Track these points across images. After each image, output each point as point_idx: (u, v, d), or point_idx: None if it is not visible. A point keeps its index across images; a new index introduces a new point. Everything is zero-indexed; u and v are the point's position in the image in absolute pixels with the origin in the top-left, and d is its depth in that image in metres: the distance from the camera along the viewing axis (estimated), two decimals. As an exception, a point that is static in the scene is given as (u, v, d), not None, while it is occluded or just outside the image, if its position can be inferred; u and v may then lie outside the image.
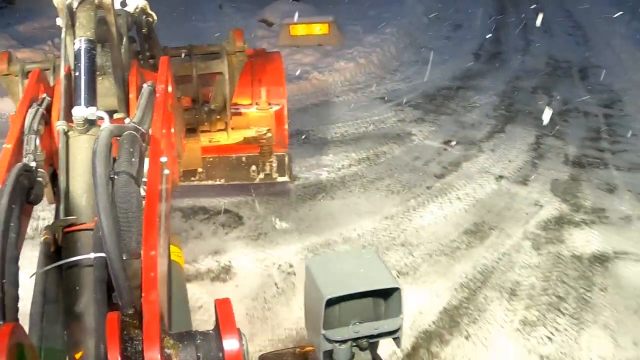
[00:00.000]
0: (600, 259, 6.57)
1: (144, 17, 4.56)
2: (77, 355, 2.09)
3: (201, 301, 5.70)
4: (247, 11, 17.19)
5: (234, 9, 17.58)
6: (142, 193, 2.49)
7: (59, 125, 2.86)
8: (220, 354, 1.95)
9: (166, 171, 2.81)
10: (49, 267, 2.49)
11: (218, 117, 5.63)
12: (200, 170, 6.24)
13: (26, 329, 2.14)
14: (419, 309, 5.71)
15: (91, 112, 2.83)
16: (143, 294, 2.00)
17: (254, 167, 6.02)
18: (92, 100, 2.93)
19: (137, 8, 4.38)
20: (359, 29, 15.51)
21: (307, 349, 2.73)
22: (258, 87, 6.03)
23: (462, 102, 11.69)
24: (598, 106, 11.60)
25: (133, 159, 2.48)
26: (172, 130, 3.40)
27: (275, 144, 6.11)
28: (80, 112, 2.82)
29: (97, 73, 3.34)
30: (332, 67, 13.22)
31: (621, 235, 7.03)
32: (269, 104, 5.99)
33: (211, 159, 6.27)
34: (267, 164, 6.05)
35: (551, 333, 5.44)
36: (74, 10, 3.18)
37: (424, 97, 11.85)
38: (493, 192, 8.08)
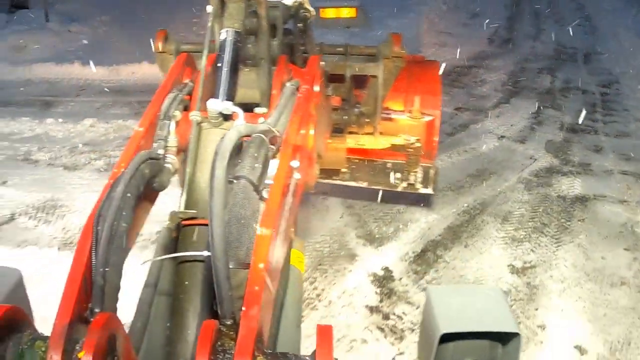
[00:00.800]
0: (581, 200, 7.80)
1: (302, 11, 4.42)
2: (80, 355, 1.89)
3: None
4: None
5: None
6: (265, 196, 2.43)
7: (193, 115, 2.83)
8: None
9: (297, 175, 2.66)
10: (160, 257, 2.50)
11: (367, 120, 5.43)
12: (344, 170, 5.95)
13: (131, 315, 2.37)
14: (428, 225, 7.01)
15: (226, 107, 2.78)
16: (244, 307, 1.93)
17: (398, 175, 5.68)
18: (229, 94, 2.90)
19: (295, 2, 4.29)
20: (383, 14, 16.75)
21: None
22: (412, 95, 5.64)
23: (474, 78, 12.96)
24: (596, 86, 12.85)
25: (256, 165, 2.36)
26: (312, 131, 3.21)
27: (423, 155, 5.74)
28: (215, 105, 2.77)
29: (248, 62, 3.46)
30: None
31: (601, 183, 8.26)
32: (422, 113, 5.66)
33: (357, 161, 6.00)
34: (412, 173, 5.68)
35: (534, 247, 6.66)
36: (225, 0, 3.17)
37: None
38: (495, 147, 9.36)
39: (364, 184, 5.89)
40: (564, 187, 8.16)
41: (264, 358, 1.86)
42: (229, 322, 1.96)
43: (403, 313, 5.52)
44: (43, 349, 1.85)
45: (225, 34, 3.04)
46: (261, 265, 2.04)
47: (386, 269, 6.15)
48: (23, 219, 7.15)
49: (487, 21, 17.82)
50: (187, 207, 2.74)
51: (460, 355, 2.32)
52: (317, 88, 3.42)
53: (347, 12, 16.19)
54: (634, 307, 5.73)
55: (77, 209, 7.35)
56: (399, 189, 5.71)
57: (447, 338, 2.24)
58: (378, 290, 5.83)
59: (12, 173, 8.43)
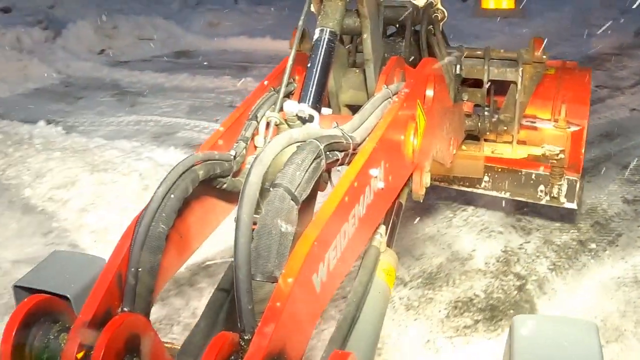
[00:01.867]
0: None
1: (433, 12, 4.30)
2: (79, 355, 1.87)
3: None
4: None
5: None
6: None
7: (272, 116, 2.70)
8: None
9: (380, 184, 2.59)
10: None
11: (505, 128, 5.15)
12: (485, 179, 5.68)
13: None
14: (558, 166, 8.47)
15: (301, 109, 2.62)
16: (260, 324, 1.84)
17: (542, 187, 5.39)
18: (316, 97, 2.81)
19: (427, 2, 4.19)
20: (540, 6, 18.03)
21: None
22: (560, 103, 5.39)
23: (616, 63, 14.09)
24: None
25: (298, 173, 2.16)
26: (413, 137, 2.99)
27: (568, 167, 5.42)
28: (291, 107, 2.61)
29: (357, 63, 3.48)
30: (514, 32, 15.94)
31: None
32: (568, 122, 5.39)
33: (499, 170, 5.66)
34: (556, 186, 5.36)
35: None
36: None
37: (586, 58, 14.30)
38: (625, 117, 10.62)
39: (507, 195, 5.65)
40: (683, 149, 9.38)
41: None
42: (247, 337, 1.86)
43: (531, 219, 7.04)
44: (66, 340, 1.88)
45: (320, 33, 2.91)
46: (290, 280, 1.92)
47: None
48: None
49: (636, 17, 18.73)
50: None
51: None
52: (429, 92, 3.24)
53: (506, 3, 17.60)
54: None
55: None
56: (543, 202, 5.48)
57: None
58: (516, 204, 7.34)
59: (222, 115, 10.40)
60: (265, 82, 3.01)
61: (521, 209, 7.14)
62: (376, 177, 2.56)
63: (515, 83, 5.05)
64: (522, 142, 5.54)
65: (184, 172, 2.19)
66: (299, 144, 2.30)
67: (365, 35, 3.25)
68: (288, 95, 3.04)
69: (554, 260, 6.24)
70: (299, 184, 2.14)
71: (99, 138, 9.26)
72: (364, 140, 2.64)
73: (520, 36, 15.86)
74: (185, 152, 8.78)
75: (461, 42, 13.62)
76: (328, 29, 2.93)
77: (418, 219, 6.84)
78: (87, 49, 15.26)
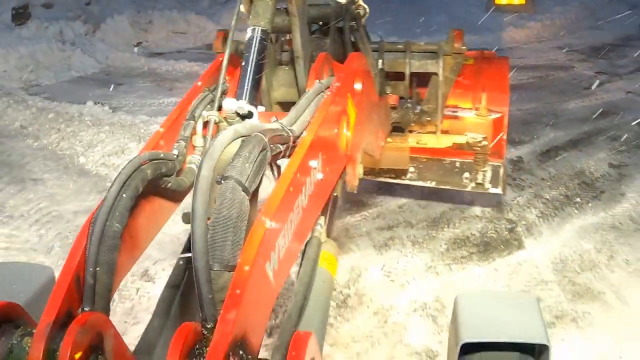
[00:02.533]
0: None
1: (355, 9, 4.26)
2: (77, 355, 1.83)
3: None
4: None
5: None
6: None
7: (211, 115, 2.76)
8: None
9: (319, 175, 2.64)
10: (184, 255, 2.57)
11: (429, 119, 5.12)
12: (411, 170, 5.72)
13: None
14: (555, 137, 9.43)
15: (240, 106, 2.66)
16: (222, 311, 1.87)
17: (467, 175, 5.47)
18: (252, 94, 2.82)
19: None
20: (550, 1, 18.90)
21: None
22: (480, 92, 5.47)
23: (619, 53, 14.94)
24: None
25: (247, 165, 2.20)
26: (346, 130, 3.12)
27: (491, 153, 5.52)
28: (230, 104, 2.65)
29: (285, 61, 3.51)
30: (525, 25, 16.91)
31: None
32: (489, 110, 5.46)
33: (424, 160, 5.82)
34: (481, 173, 5.44)
35: (631, 156, 8.84)
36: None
37: (590, 49, 15.23)
38: (621, 98, 11.52)
39: (432, 184, 5.67)
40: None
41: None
42: (209, 326, 1.89)
43: (526, 178, 8.00)
44: (30, 344, 1.85)
45: (252, 32, 2.95)
46: (247, 268, 1.97)
47: (519, 158, 8.62)
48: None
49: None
50: None
51: None
52: (357, 86, 3.31)
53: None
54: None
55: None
56: (469, 189, 5.54)
57: (473, 348, 2.11)
58: (512, 167, 8.31)
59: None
60: (199, 83, 2.97)
61: (518, 170, 8.15)
62: (315, 168, 2.61)
63: (436, 74, 5.03)
64: (445, 132, 5.51)
65: (133, 172, 2.21)
66: (243, 138, 2.34)
67: (295, 33, 3.32)
68: (222, 94, 2.95)
69: (542, 210, 7.19)
70: (249, 176, 2.20)
71: (143, 115, 10.24)
72: (302, 133, 2.70)
73: (529, 28, 16.82)
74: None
75: (476, 34, 14.68)
76: (259, 28, 2.95)
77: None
78: (124, 42, 16.23)
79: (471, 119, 5.42)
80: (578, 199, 7.48)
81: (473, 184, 5.45)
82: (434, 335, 5.15)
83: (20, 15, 17.20)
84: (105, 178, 8.17)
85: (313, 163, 2.60)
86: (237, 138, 2.33)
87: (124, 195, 2.13)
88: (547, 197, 7.53)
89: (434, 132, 5.27)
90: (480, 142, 5.27)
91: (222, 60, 3.01)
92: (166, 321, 2.51)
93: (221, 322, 1.85)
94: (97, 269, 2.02)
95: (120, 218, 2.11)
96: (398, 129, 5.21)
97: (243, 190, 2.17)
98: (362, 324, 5.30)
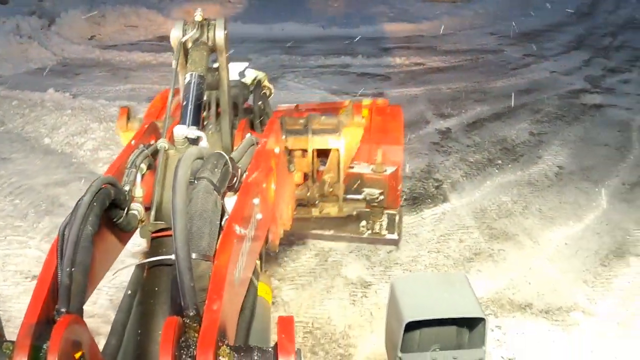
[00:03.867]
0: (597, 106, 10.82)
1: (261, 89, 4.37)
2: (77, 355, 1.85)
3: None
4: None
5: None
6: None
7: (160, 143, 2.80)
8: None
9: (259, 215, 2.70)
10: (127, 266, 2.59)
11: (331, 189, 5.04)
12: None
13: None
14: (481, 110, 10.32)
15: (191, 132, 2.78)
16: (207, 301, 1.94)
17: (364, 223, 5.48)
18: (195, 121, 2.97)
19: (255, 79, 4.29)
20: (483, -9, 19.93)
21: None
22: (375, 145, 5.31)
23: (547, 38, 16.00)
24: (647, 46, 15.73)
25: (216, 170, 2.35)
26: (273, 185, 3.20)
27: (387, 205, 5.52)
28: (181, 130, 2.76)
29: (210, 127, 3.45)
30: (459, 14, 17.87)
31: (618, 99, 11.27)
32: (385, 164, 5.32)
33: None
34: (378, 222, 5.51)
35: (551, 126, 9.77)
36: (188, 49, 3.25)
37: (520, 34, 16.24)
38: (545, 77, 12.56)
39: (331, 232, 5.62)
40: (587, 99, 11.22)
41: (227, 348, 1.85)
42: (192, 313, 1.92)
43: (453, 145, 8.85)
44: (10, 348, 1.81)
45: (190, 77, 3.10)
46: (225, 258, 2.09)
47: (448, 128, 9.49)
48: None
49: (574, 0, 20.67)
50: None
51: (427, 342, 2.27)
52: (277, 150, 3.38)
53: (453, -10, 19.43)
54: (606, 155, 8.80)
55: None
56: (365, 235, 5.52)
57: (413, 326, 2.18)
58: (441, 136, 9.16)
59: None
60: (132, 142, 2.94)
61: (445, 139, 9.01)
62: (257, 205, 2.69)
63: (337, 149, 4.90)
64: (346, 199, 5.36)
65: (102, 187, 2.23)
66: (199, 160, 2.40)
67: (223, 87, 3.42)
68: (152, 154, 2.89)
69: (466, 171, 8.05)
70: (218, 179, 2.34)
71: (102, 100, 10.79)
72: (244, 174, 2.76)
73: (463, 16, 17.78)
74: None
75: (412, 23, 15.55)
76: (196, 73, 3.10)
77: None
78: (79, 35, 16.62)
79: (369, 175, 5.27)
80: (499, 162, 8.35)
81: (370, 232, 5.47)
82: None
83: (-22, 11, 17.59)
84: (71, 155, 8.67)
85: (255, 200, 2.68)
86: (201, 157, 2.40)
87: (95, 204, 2.15)
88: (471, 160, 8.39)
89: (336, 202, 5.15)
90: (377, 198, 5.27)
91: (150, 126, 3.18)
92: (121, 339, 2.48)
93: (208, 311, 1.90)
94: (73, 269, 2.00)
95: (93, 223, 2.12)
96: (301, 205, 5.15)
97: (215, 190, 2.30)
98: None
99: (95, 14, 17.54)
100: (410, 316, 2.21)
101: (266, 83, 4.42)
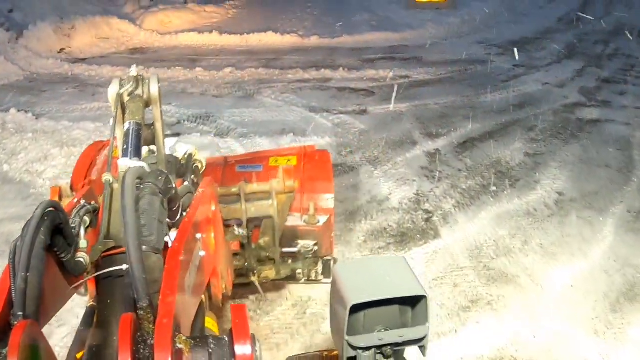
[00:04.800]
0: (595, 121, 10.25)
1: (193, 163, 4.37)
2: (78, 355, 1.95)
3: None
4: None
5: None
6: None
7: (105, 176, 2.84)
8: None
9: (202, 252, 2.76)
10: (84, 280, 2.52)
11: (267, 254, 5.03)
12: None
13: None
14: (472, 130, 9.67)
15: (134, 163, 2.84)
16: (161, 296, 1.95)
17: (299, 270, 5.34)
18: (137, 155, 3.05)
19: (185, 154, 4.31)
20: (469, -3, 19.36)
21: (335, 353, 2.64)
22: (306, 196, 5.27)
23: (537, 46, 15.47)
24: (642, 53, 15.19)
25: (160, 178, 2.51)
26: (213, 234, 3.24)
27: (321, 254, 5.40)
28: (125, 162, 2.85)
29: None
30: (444, 22, 17.24)
31: (615, 113, 10.72)
32: (317, 215, 5.24)
33: None
34: (313, 270, 5.38)
35: (547, 145, 9.18)
36: (125, 101, 3.36)
37: (509, 42, 15.65)
38: (537, 90, 11.93)
39: (268, 279, 5.44)
40: (584, 113, 10.63)
41: (183, 336, 1.88)
42: (145, 304, 1.95)
43: (443, 169, 8.20)
44: None
45: (128, 125, 3.20)
46: (176, 246, 2.17)
47: (436, 150, 8.83)
48: (187, 123, 10.23)
49: (562, 6, 20.12)
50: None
51: (372, 324, 2.30)
52: (213, 207, 3.44)
53: (438, -4, 18.93)
54: (609, 178, 8.19)
55: (224, 117, 10.38)
56: (302, 281, 5.43)
57: (357, 309, 2.23)
58: (430, 159, 8.51)
59: (174, 99, 11.53)
60: (75, 200, 2.86)
61: (434, 163, 8.36)
62: (199, 239, 2.73)
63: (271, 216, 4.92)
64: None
65: (52, 206, 2.23)
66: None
67: (159, 139, 3.51)
68: (93, 211, 2.84)
69: (458, 200, 7.39)
70: (162, 185, 2.49)
71: (65, 122, 10.12)
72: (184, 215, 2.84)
73: (449, 24, 17.18)
74: (143, 130, 9.83)
75: (396, 32, 15.07)
76: (134, 121, 3.20)
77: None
78: (48, 49, 16.04)
79: (302, 228, 5.20)
80: (494, 188, 7.70)
81: (306, 278, 5.36)
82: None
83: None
84: (29, 185, 8.11)
85: (198, 235, 2.72)
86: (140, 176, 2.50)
87: (46, 218, 2.16)
88: (464, 187, 7.74)
89: (274, 265, 5.11)
90: (311, 249, 5.18)
91: (88, 189, 3.11)
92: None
93: (162, 303, 1.92)
94: (28, 274, 2.01)
95: (45, 233, 2.13)
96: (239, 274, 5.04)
97: (160, 193, 2.43)
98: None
99: (64, 25, 16.86)
100: (354, 299, 2.17)
101: (198, 157, 4.41)
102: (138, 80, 3.41)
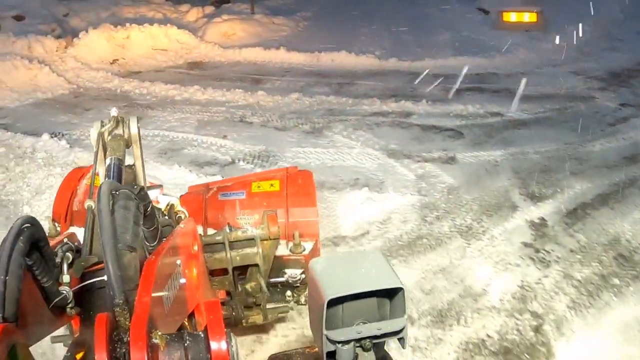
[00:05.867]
0: None
1: (175, 214, 4.34)
2: (78, 356, 2.00)
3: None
4: (468, 1, 19.58)
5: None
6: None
7: (87, 202, 2.89)
8: (208, 356, 1.96)
9: (182, 280, 2.77)
10: (70, 290, 2.50)
11: (254, 300, 5.00)
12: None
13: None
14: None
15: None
16: (137, 296, 1.99)
17: (289, 293, 5.38)
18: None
19: (167, 205, 4.30)
20: (560, 19, 17.56)
21: (317, 349, 2.59)
22: (291, 222, 5.29)
23: (640, 79, 13.67)
24: None
25: (135, 187, 2.55)
26: (195, 270, 3.23)
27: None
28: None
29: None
30: (536, 46, 15.54)
31: None
32: (302, 243, 5.21)
33: None
34: (302, 295, 5.40)
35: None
36: (106, 140, 3.48)
37: (609, 74, 13.81)
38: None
39: (256, 324, 5.37)
40: None
41: (159, 332, 1.89)
42: (120, 301, 1.96)
43: (551, 249, 6.60)
44: None
45: (110, 160, 3.33)
46: (154, 258, 2.22)
47: (542, 220, 7.27)
48: (242, 163, 8.79)
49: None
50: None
51: (351, 318, 2.32)
52: (195, 247, 3.45)
53: (528, 17, 17.25)
54: None
55: (287, 158, 8.88)
56: (290, 304, 5.42)
57: (335, 303, 2.25)
58: (535, 233, 6.92)
59: (231, 130, 10.11)
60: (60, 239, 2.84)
61: (541, 237, 6.75)
62: (179, 265, 2.72)
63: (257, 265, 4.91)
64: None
65: (30, 222, 2.22)
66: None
67: (139, 177, 3.64)
68: (76, 250, 2.83)
69: (573, 298, 5.81)
70: (137, 192, 2.51)
71: (101, 154, 8.94)
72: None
73: (541, 50, 15.50)
74: (190, 170, 8.52)
75: (483, 56, 13.52)
76: (115, 157, 3.33)
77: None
78: (99, 59, 15.00)
79: (288, 257, 5.10)
80: (616, 281, 6.07)
81: (295, 302, 5.35)
82: None
83: (-12, 28, 16.03)
84: (48, 233, 6.79)
85: (178, 261, 2.70)
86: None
87: (25, 229, 2.15)
88: (578, 277, 6.13)
89: (261, 310, 5.07)
90: (298, 278, 5.14)
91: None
92: None
93: (138, 302, 1.94)
94: (7, 277, 2.02)
95: (24, 242, 2.12)
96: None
97: (135, 199, 2.48)
98: None
99: (119, 34, 15.69)
100: (332, 293, 2.21)
101: (179, 208, 4.39)
102: (118, 121, 3.55)
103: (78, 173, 5.03)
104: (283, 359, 2.79)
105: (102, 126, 3.49)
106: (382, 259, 2.39)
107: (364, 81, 13.14)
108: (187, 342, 1.95)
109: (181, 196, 3.55)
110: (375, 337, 2.28)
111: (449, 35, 16.58)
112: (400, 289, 2.23)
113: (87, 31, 15.46)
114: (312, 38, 16.56)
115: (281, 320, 5.51)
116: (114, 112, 3.62)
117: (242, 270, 4.88)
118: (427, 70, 13.49)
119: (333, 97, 11.87)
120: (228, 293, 4.90)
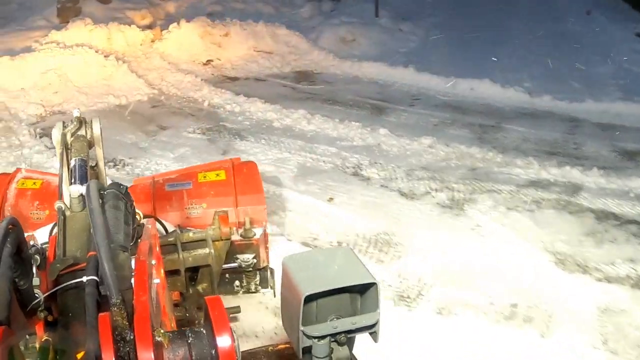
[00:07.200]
0: None
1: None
2: (79, 356, 2.05)
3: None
4: (620, 22, 16.34)
5: (605, 18, 16.78)
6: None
7: (58, 204, 2.99)
8: (213, 351, 2.03)
9: (156, 280, 2.82)
10: (45, 294, 2.53)
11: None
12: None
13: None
14: None
15: (84, 189, 2.91)
16: (134, 296, 2.12)
17: (237, 282, 5.48)
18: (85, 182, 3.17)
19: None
20: None
21: (281, 346, 2.82)
22: (240, 209, 5.34)
23: None
24: None
25: (121, 187, 2.72)
26: (161, 275, 3.31)
27: (259, 266, 5.46)
28: (77, 188, 2.99)
29: None
30: None
31: None
32: (252, 228, 5.31)
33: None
34: (252, 282, 5.49)
35: None
36: (69, 142, 3.57)
37: None
38: None
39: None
40: None
41: (161, 329, 1.98)
42: (117, 301, 2.01)
43: None
44: None
45: (74, 162, 3.39)
46: (142, 258, 2.43)
47: None
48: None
49: None
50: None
51: (325, 313, 2.35)
52: (157, 248, 3.55)
53: None
54: None
55: (415, 249, 6.26)
56: (240, 294, 5.57)
57: (308, 300, 2.27)
58: None
59: (340, 188, 7.65)
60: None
61: None
62: (153, 266, 2.72)
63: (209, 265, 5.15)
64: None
65: (13, 223, 2.32)
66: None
67: (102, 177, 3.72)
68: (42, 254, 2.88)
69: None
70: (124, 192, 2.71)
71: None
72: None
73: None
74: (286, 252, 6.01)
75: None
76: (79, 158, 3.39)
77: None
78: (189, 58, 12.71)
79: (239, 242, 5.22)
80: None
81: (244, 289, 5.48)
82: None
83: (67, 10, 14.05)
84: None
85: (153, 262, 2.76)
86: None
87: (11, 230, 2.26)
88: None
89: None
90: (251, 263, 5.27)
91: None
92: None
93: (137, 302, 2.05)
94: None
95: (12, 244, 2.21)
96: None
97: (121, 200, 2.65)
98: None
99: (217, 30, 13.44)
100: (308, 290, 2.28)
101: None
102: (81, 122, 3.66)
103: (5, 178, 4.94)
104: (248, 358, 2.76)
105: (65, 127, 3.60)
106: (352, 255, 2.49)
107: (513, 125, 10.03)
108: (190, 339, 2.03)
109: (127, 188, 3.04)
110: (349, 331, 2.35)
111: (611, 68, 13.37)
112: (374, 284, 2.33)
113: (178, 23, 13.25)
114: (444, 54, 13.70)
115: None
116: (76, 112, 3.73)
117: (194, 271, 5.02)
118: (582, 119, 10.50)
119: (476, 148, 8.84)
120: (181, 294, 5.06)
